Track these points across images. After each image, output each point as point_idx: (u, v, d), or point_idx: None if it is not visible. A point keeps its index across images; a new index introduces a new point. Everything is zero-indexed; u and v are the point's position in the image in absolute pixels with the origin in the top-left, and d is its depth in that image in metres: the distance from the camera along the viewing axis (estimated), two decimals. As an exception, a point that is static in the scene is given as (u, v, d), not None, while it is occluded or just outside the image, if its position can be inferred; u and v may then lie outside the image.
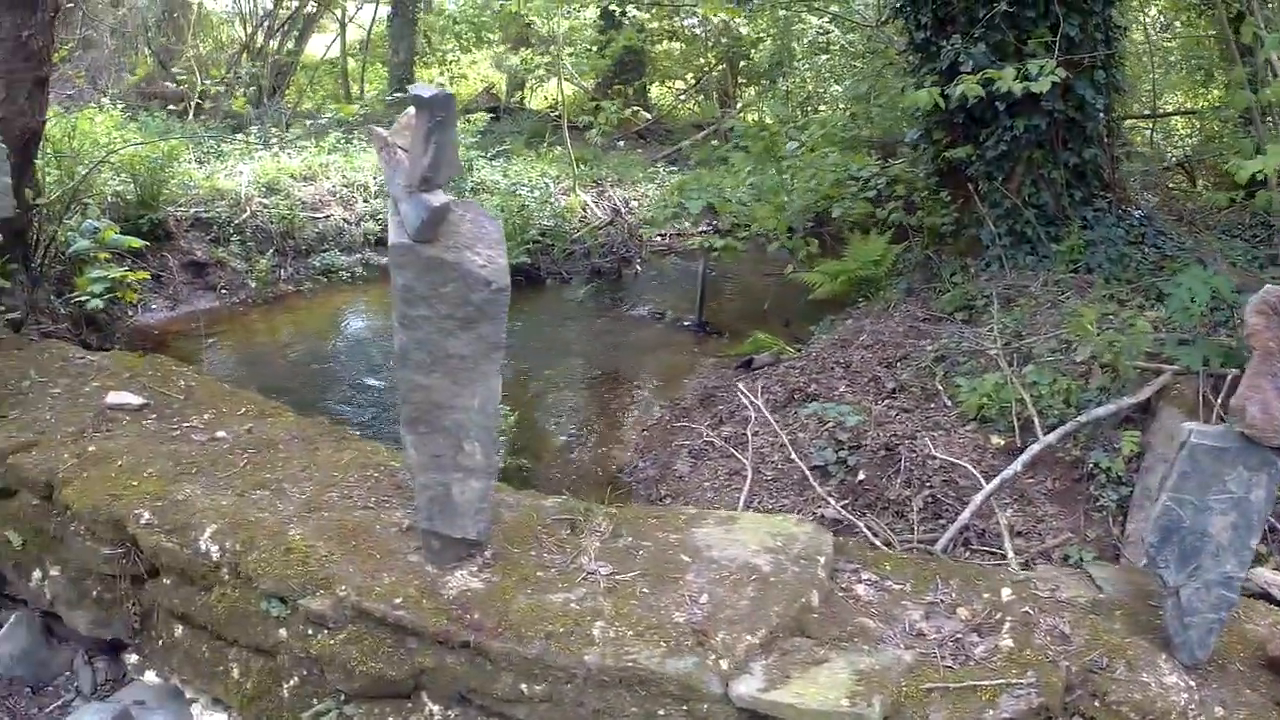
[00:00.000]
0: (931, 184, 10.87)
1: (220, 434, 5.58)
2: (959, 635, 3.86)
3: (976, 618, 3.95)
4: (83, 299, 9.06)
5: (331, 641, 4.00)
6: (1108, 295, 8.66)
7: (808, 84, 19.40)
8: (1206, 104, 14.71)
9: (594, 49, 21.28)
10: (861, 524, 6.44)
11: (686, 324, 13.14)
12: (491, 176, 16.44)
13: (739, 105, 23.29)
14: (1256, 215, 10.31)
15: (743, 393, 8.84)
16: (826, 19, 15.39)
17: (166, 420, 5.79)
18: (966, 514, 6.29)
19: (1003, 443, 7.22)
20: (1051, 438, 6.78)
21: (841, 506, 6.80)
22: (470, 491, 4.09)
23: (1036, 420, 7.08)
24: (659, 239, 16.97)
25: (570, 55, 21.10)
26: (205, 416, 5.81)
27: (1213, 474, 3.50)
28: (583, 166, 17.77)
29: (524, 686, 3.74)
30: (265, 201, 14.54)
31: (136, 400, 5.96)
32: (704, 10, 14.80)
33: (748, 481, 7.30)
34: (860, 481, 7.07)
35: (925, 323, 9.70)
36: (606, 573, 4.12)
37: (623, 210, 17.03)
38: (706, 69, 22.51)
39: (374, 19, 25.67)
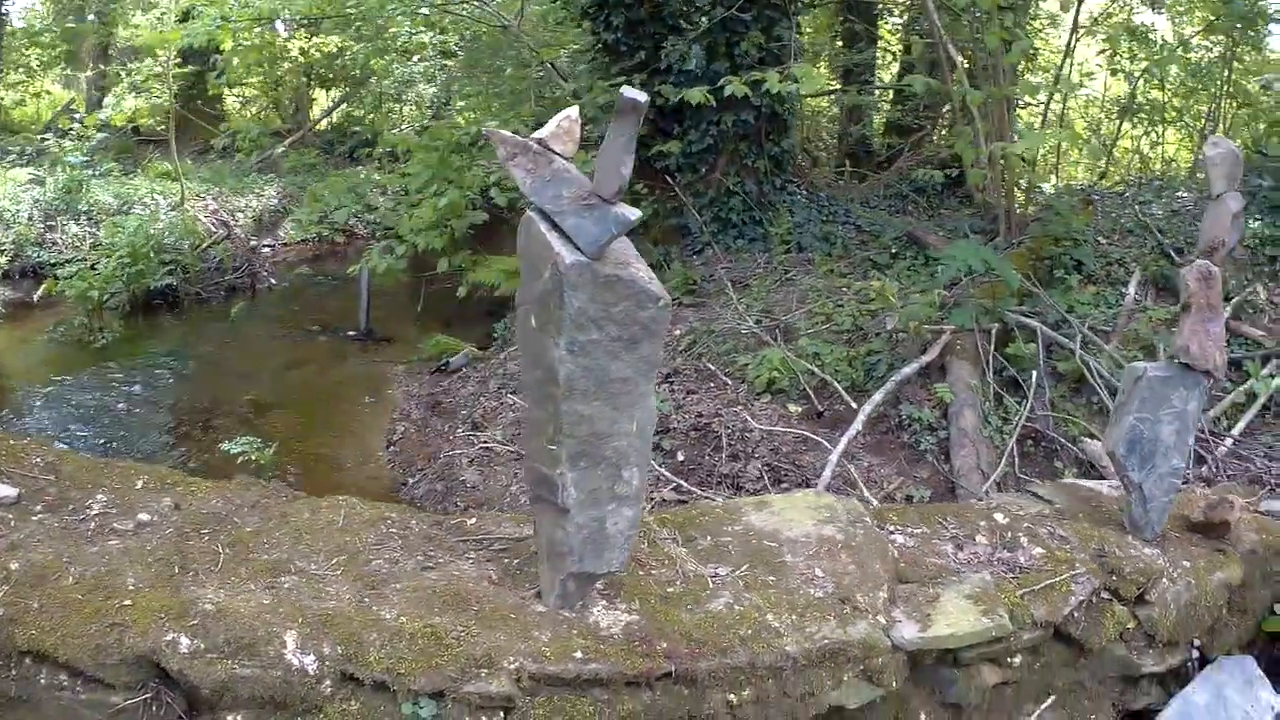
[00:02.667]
0: None
1: (143, 517, 4.66)
2: (997, 555, 4.48)
3: (994, 541, 4.60)
4: None
5: (526, 722, 3.62)
6: (828, 270, 9.35)
7: (395, 87, 19.42)
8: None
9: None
10: (720, 500, 6.65)
11: (352, 334, 12.95)
12: (103, 198, 15.42)
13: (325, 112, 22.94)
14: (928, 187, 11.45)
15: (486, 395, 8.98)
16: (417, 23, 15.29)
17: (60, 511, 4.75)
18: (828, 473, 6.77)
19: (800, 410, 7.75)
20: (878, 396, 7.40)
21: (674, 488, 7.01)
22: (623, 521, 3.85)
23: (839, 387, 7.65)
24: (267, 249, 16.67)
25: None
26: (100, 498, 4.83)
27: (1162, 396, 4.58)
28: (189, 181, 16.94)
29: (732, 697, 3.73)
30: None
31: (9, 491, 4.90)
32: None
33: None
34: (683, 462, 7.33)
35: None
36: (725, 573, 4.15)
37: (231, 223, 16.45)
38: (281, 76, 21.82)
39: None
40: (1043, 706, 4.40)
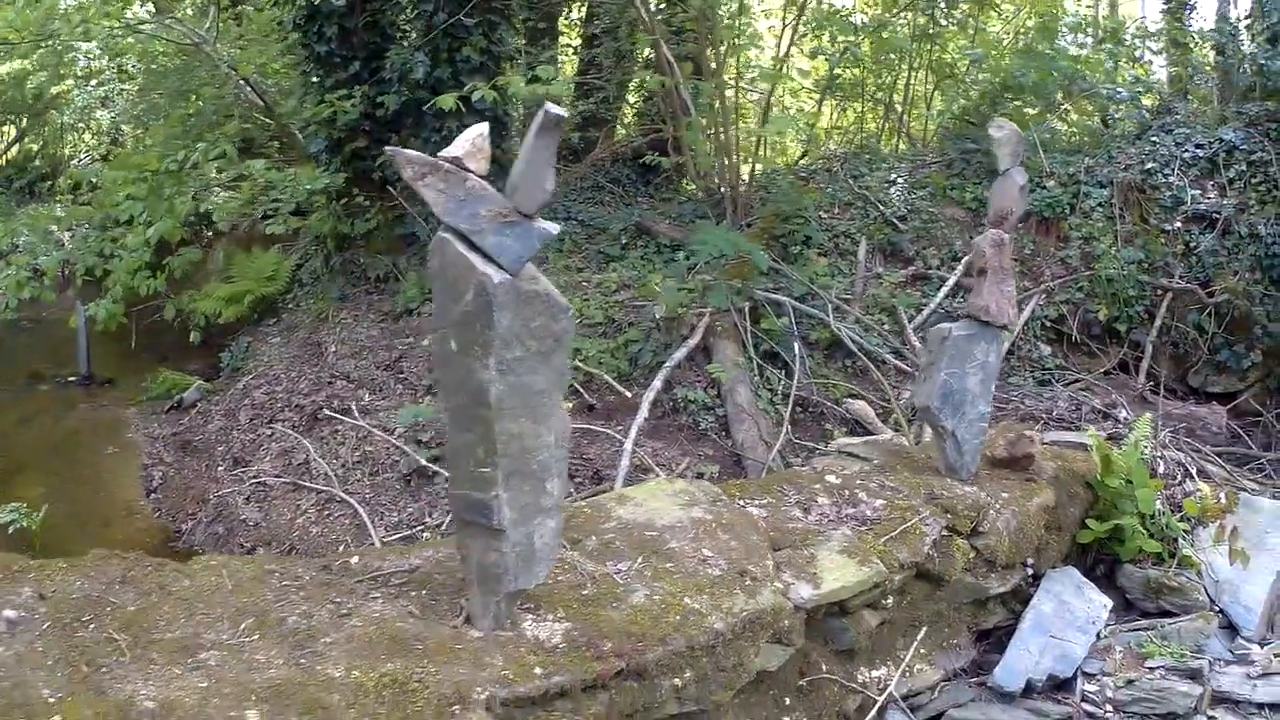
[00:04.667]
0: (341, 190, 11.13)
1: (9, 614, 3.96)
2: (844, 512, 4.93)
3: (836, 500, 5.05)
4: None
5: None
6: (565, 267, 9.67)
7: (75, 114, 18.47)
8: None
9: None
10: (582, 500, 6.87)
11: (71, 379, 12.44)
12: None
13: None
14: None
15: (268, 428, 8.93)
16: (113, 48, 14.60)
17: None
18: (626, 461, 7.09)
19: (572, 405, 8.01)
20: (658, 383, 7.80)
21: None
22: (548, 533, 3.92)
23: (609, 378, 8.02)
24: None
25: None
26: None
27: (967, 351, 5.18)
28: None
29: (677, 681, 3.92)
30: None
31: None
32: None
33: (358, 504, 7.40)
34: None
35: (391, 320, 10.20)
36: (625, 567, 4.31)
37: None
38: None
39: None
40: (918, 638, 4.90)
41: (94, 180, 13.10)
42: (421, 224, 10.56)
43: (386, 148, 3.67)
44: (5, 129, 22.45)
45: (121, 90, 17.70)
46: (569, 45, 16.92)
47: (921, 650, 4.92)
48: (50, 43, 13.72)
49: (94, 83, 17.29)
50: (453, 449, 3.85)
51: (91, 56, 16.04)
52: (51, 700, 3.44)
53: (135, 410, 10.94)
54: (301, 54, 11.43)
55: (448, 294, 3.60)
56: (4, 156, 21.41)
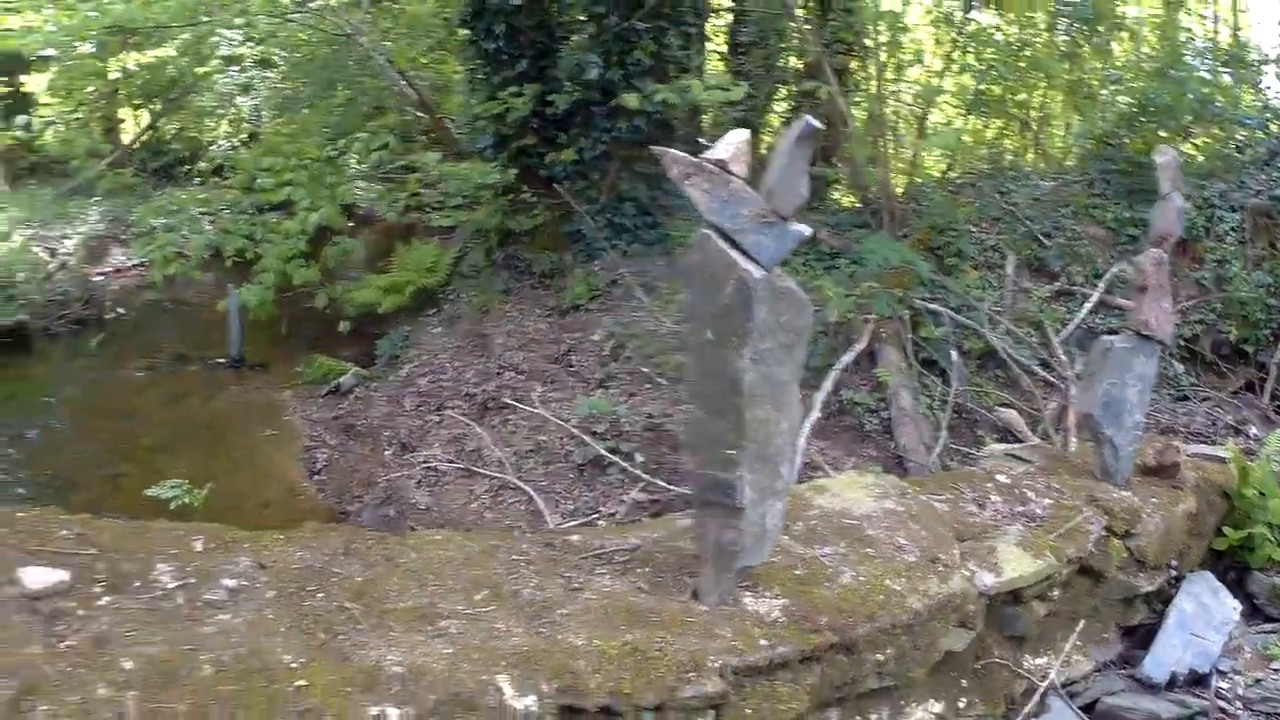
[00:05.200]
0: (508, 185, 11.62)
1: (229, 583, 4.30)
2: (1015, 510, 5.33)
3: (1008, 498, 5.39)
4: None
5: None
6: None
7: (215, 101, 19.21)
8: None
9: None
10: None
11: (221, 362, 13.03)
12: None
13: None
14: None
15: (423, 413, 9.32)
16: (240, 34, 15.26)
17: (126, 590, 4.26)
18: (799, 459, 7.47)
19: None
20: (828, 385, 8.18)
21: (643, 488, 7.60)
22: (776, 515, 4.30)
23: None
24: (100, 278, 16.38)
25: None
26: (164, 568, 4.38)
27: (1127, 363, 5.52)
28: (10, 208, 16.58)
29: (879, 656, 4.33)
30: None
31: (60, 575, 4.29)
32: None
33: (533, 491, 7.81)
34: (643, 463, 7.89)
35: (558, 315, 10.66)
36: (831, 551, 4.74)
37: (61, 251, 16.17)
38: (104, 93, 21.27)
39: None
40: (1077, 630, 5.32)
41: (236, 165, 13.56)
42: (588, 222, 11.08)
43: (654, 147, 4.08)
44: (140, 113, 23.39)
45: (264, 78, 18.31)
46: (715, 51, 17.33)
47: (1077, 642, 5.35)
48: (196, 29, 14.39)
49: (235, 69, 17.92)
50: (699, 433, 4.19)
51: (234, 44, 16.72)
52: (294, 665, 3.67)
53: (291, 394, 11.45)
54: (469, 50, 12.04)
55: (707, 287, 3.94)
56: (139, 139, 22.30)
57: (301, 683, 3.57)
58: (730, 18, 16.30)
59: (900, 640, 4.40)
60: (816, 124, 3.71)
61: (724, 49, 16.84)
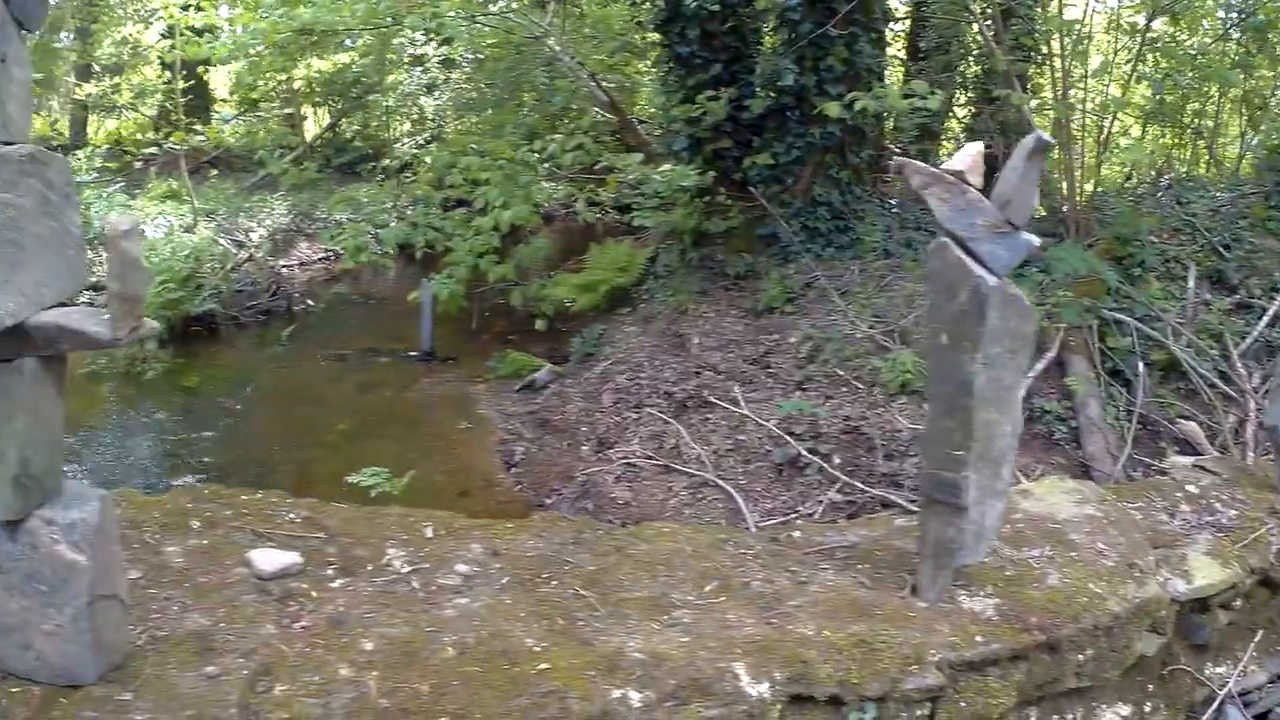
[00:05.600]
0: (704, 187, 11.95)
1: (463, 568, 4.70)
2: (1203, 519, 5.52)
3: (1196, 508, 5.59)
4: None
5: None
6: (921, 275, 10.33)
7: (399, 100, 19.95)
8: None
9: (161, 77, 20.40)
10: (896, 497, 7.59)
11: (413, 354, 13.62)
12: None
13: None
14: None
15: (624, 409, 9.72)
16: (426, 33, 15.85)
17: (359, 574, 4.69)
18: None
19: None
20: (1021, 392, 8.35)
21: (839, 489, 7.91)
22: (994, 515, 4.43)
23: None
24: (286, 270, 17.16)
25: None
26: (396, 553, 4.82)
27: None
28: (197, 200, 17.45)
29: (1080, 657, 4.59)
30: None
31: (292, 558, 4.67)
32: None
33: (733, 489, 8.13)
34: (839, 464, 8.17)
35: (753, 316, 10.99)
36: (1038, 554, 5.05)
37: (247, 243, 17.00)
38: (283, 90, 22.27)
39: None
40: (1255, 640, 5.47)
41: (428, 162, 14.11)
42: (783, 225, 11.47)
43: (896, 158, 4.37)
44: (321, 111, 24.33)
45: (446, 78, 19.01)
46: (895, 57, 17.56)
47: (1254, 653, 5.49)
48: (381, 33, 15.02)
49: (419, 70, 18.62)
50: (930, 433, 4.48)
51: (417, 44, 17.38)
52: (537, 649, 3.98)
53: (484, 388, 11.97)
54: (662, 54, 12.54)
55: (944, 293, 4.20)
56: (321, 136, 23.23)
57: (544, 666, 3.86)
58: (910, 23, 16.75)
59: (1099, 642, 4.63)
60: (1049, 139, 3.97)
61: (904, 54, 17.24)
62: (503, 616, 4.23)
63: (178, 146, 16.96)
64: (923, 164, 4.12)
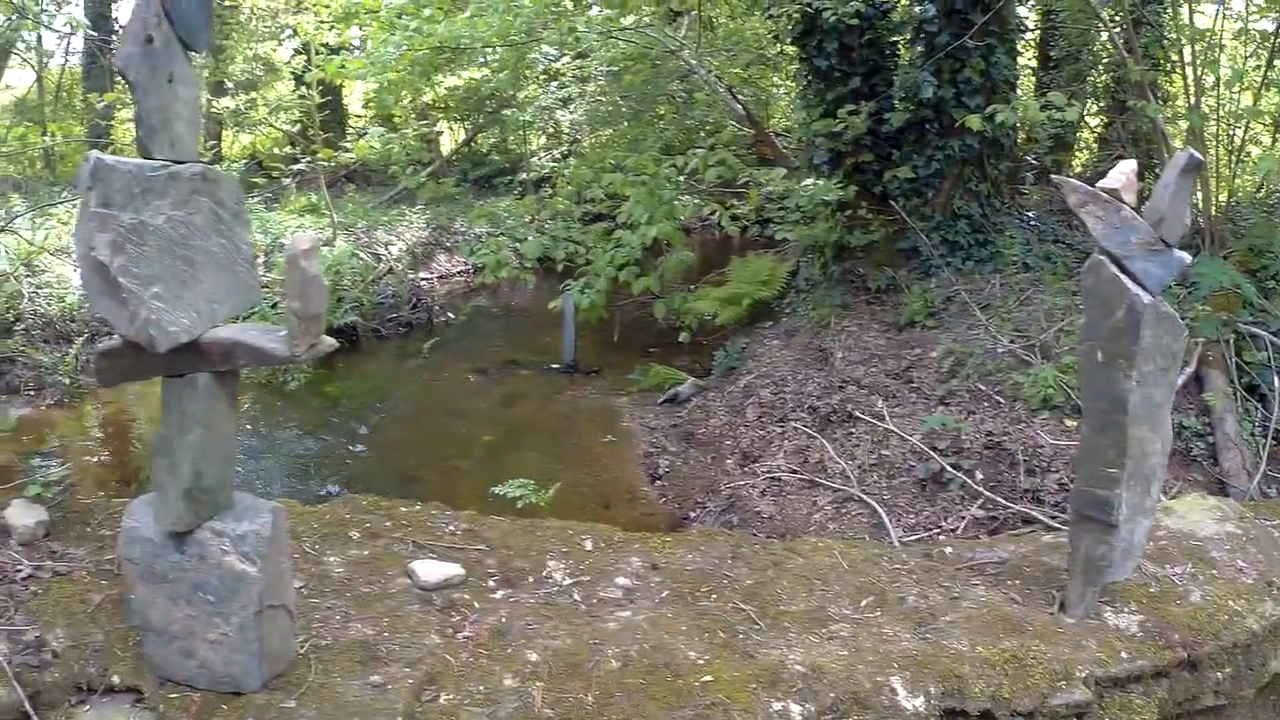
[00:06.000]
0: (844, 201, 12.24)
1: (623, 581, 5.07)
2: None
3: None
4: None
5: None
6: (1060, 289, 10.59)
7: (534, 114, 20.50)
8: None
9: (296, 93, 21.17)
10: (1038, 514, 7.69)
11: (555, 366, 14.04)
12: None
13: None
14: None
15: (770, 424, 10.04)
16: (561, 47, 16.29)
17: (520, 585, 5.06)
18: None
19: (1075, 424, 8.83)
20: (1169, 410, 8.59)
21: (981, 505, 8.15)
22: (1141, 532, 4.72)
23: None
24: (425, 283, 17.71)
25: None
26: (556, 565, 5.22)
27: None
28: (335, 214, 18.07)
29: (1219, 675, 4.90)
30: (33, 282, 13.76)
31: (455, 569, 5.06)
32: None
33: (876, 504, 8.37)
34: (981, 480, 8.35)
35: (895, 331, 11.30)
36: (1180, 571, 5.38)
37: (386, 256, 17.60)
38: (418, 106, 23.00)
39: (65, 64, 24.43)
40: None
41: (569, 176, 14.44)
42: (923, 239, 11.78)
43: (1053, 176, 4.66)
44: (457, 126, 24.99)
45: (582, 93, 19.49)
46: (1026, 66, 17.70)
47: None
48: (516, 48, 15.49)
49: (554, 85, 19.10)
50: (1084, 450, 4.75)
51: (551, 59, 17.87)
52: (699, 661, 4.33)
53: (626, 400, 12.31)
54: (801, 67, 12.89)
55: (1099, 311, 4.48)
56: (458, 151, 23.86)
57: (706, 678, 4.19)
58: (1041, 32, 16.86)
59: (1237, 660, 4.91)
60: (1199, 156, 4.23)
61: (1035, 64, 17.46)
62: (664, 629, 4.54)
63: (326, 163, 17.56)
64: (1080, 183, 4.38)
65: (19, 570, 5.00)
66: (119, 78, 21.79)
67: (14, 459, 9.56)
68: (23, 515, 5.41)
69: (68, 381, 12.40)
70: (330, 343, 3.90)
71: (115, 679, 4.27)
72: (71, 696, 4.23)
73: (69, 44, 23.29)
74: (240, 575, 4.06)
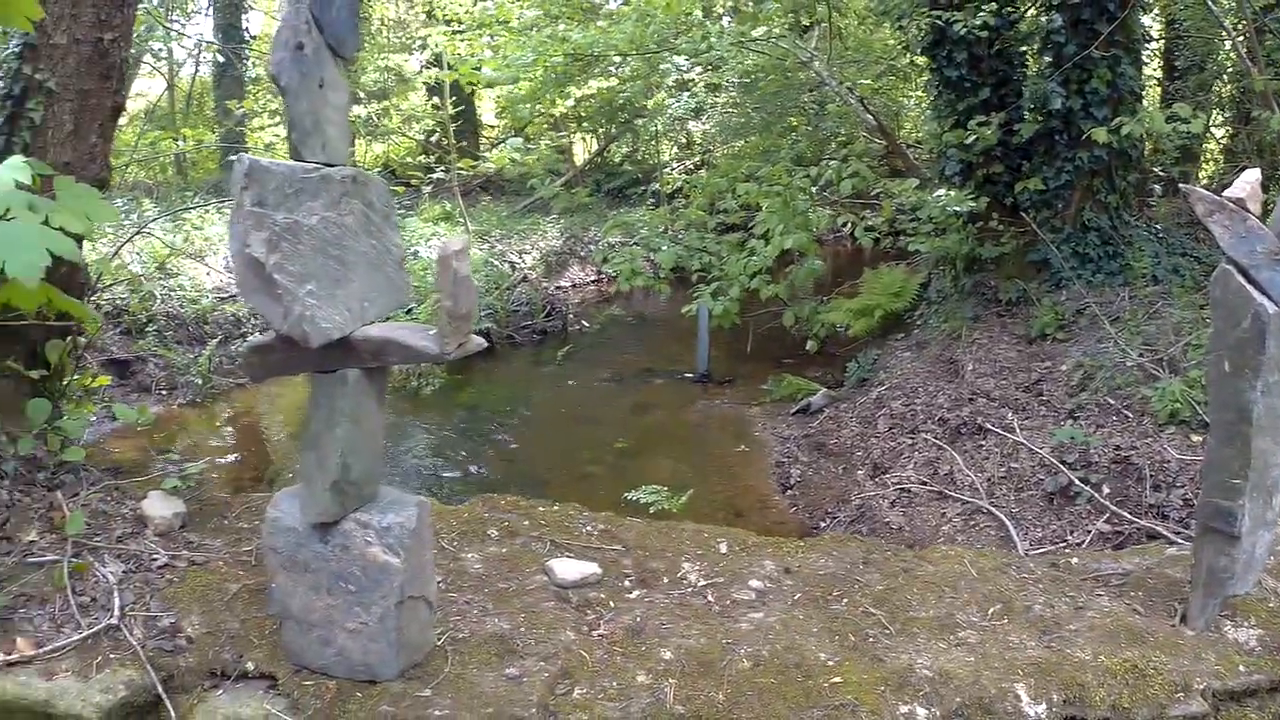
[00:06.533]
0: (976, 212, 12.49)
1: (756, 584, 5.32)
2: None
3: None
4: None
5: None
6: (1188, 302, 10.71)
7: (667, 124, 20.86)
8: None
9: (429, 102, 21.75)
10: (1163, 529, 7.75)
11: (688, 375, 14.38)
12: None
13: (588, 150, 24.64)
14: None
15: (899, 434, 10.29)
16: (693, 58, 16.57)
17: (655, 586, 5.34)
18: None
19: (1200, 439, 8.81)
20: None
21: (1107, 519, 8.25)
22: (1263, 545, 4.73)
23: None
24: (559, 291, 18.14)
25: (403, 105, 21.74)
26: (690, 567, 5.48)
27: None
28: (470, 222, 18.62)
29: None
30: (166, 285, 14.37)
31: (592, 568, 5.36)
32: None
33: (1004, 517, 8.54)
34: (1108, 494, 8.48)
35: (1025, 344, 11.43)
36: None
37: (520, 264, 18.08)
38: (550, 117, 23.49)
39: (195, 74, 25.70)
40: None
41: (701, 188, 14.80)
42: (1054, 251, 11.92)
43: (1182, 185, 4.78)
44: (590, 136, 25.42)
45: (713, 103, 19.85)
46: (1151, 76, 17.67)
47: None
48: (648, 58, 15.86)
49: (686, 95, 19.37)
50: (1210, 461, 4.83)
51: (683, 70, 18.20)
52: (830, 663, 4.55)
53: (758, 410, 12.58)
54: (931, 78, 13.11)
55: (1226, 321, 4.54)
56: (591, 161, 24.30)
57: (836, 680, 4.32)
58: (1164, 42, 16.92)
59: None
60: None
61: (1160, 74, 17.45)
62: (796, 631, 4.79)
63: (465, 171, 18.03)
64: (1207, 192, 4.47)
65: (155, 559, 5.45)
66: (251, 86, 22.70)
67: (144, 455, 10.08)
68: (160, 507, 5.90)
69: (200, 382, 12.96)
70: (479, 342, 4.18)
71: (250, 665, 4.60)
72: (205, 681, 4.56)
73: (200, 53, 24.33)
74: (383, 566, 4.35)
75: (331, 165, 4.03)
